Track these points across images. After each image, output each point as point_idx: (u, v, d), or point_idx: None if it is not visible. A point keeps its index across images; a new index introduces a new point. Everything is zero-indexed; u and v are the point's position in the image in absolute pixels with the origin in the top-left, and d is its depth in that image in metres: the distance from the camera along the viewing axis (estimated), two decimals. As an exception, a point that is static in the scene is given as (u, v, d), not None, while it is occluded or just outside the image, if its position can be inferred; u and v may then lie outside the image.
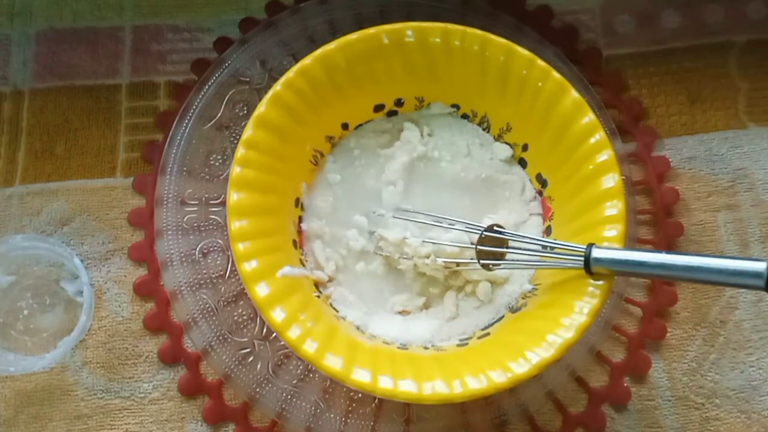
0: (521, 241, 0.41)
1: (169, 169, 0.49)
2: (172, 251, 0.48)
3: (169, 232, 0.48)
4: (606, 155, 0.41)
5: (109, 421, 0.46)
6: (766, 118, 0.54)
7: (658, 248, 0.50)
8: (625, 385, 0.48)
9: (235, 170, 0.40)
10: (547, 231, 0.45)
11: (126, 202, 0.51)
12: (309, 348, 0.38)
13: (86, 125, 0.52)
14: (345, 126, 0.47)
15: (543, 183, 0.46)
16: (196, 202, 0.49)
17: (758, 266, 0.33)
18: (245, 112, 0.50)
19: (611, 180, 0.41)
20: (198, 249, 0.48)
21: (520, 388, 0.46)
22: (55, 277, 0.48)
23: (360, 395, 0.45)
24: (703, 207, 0.52)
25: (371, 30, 0.43)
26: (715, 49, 0.56)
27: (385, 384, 0.37)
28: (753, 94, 0.55)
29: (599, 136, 0.42)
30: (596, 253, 0.37)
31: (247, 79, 0.51)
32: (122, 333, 0.48)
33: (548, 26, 0.55)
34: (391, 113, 0.48)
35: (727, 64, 0.55)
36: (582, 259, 0.38)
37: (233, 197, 0.39)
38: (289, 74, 0.42)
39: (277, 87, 0.42)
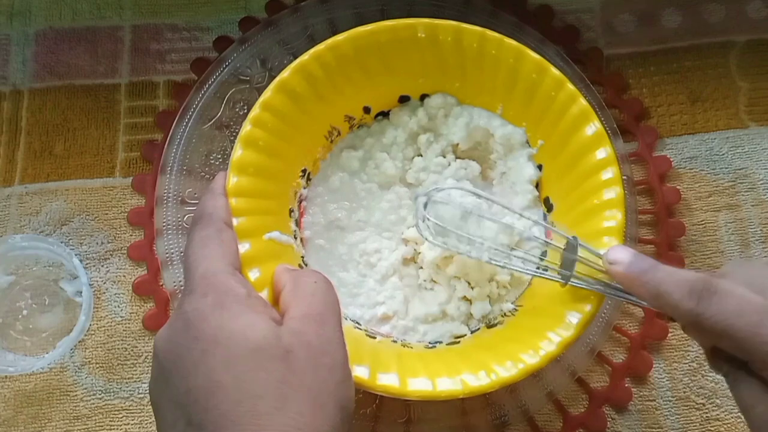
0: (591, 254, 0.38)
1: (169, 169, 0.49)
2: (172, 251, 0.48)
3: (170, 232, 0.48)
4: (613, 192, 0.41)
5: (108, 421, 0.46)
6: (767, 117, 0.54)
7: (659, 248, 0.50)
8: (626, 385, 0.47)
9: (246, 128, 0.40)
10: (543, 255, 0.45)
11: (125, 201, 0.50)
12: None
13: (85, 125, 0.52)
14: (367, 109, 0.46)
15: (549, 207, 0.45)
16: (196, 202, 0.49)
17: None
18: (245, 111, 0.50)
19: (613, 218, 0.40)
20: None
21: (520, 388, 0.46)
22: (54, 277, 0.48)
23: (360, 395, 0.45)
24: (704, 207, 0.52)
25: (409, 20, 0.43)
26: (716, 49, 0.56)
27: (360, 373, 0.37)
28: (753, 93, 0.55)
29: (611, 172, 0.41)
30: None
31: (248, 78, 0.51)
32: (121, 333, 0.48)
33: (549, 26, 0.55)
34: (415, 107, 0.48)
35: (728, 63, 0.55)
36: None
37: (237, 152, 0.39)
38: (320, 47, 0.42)
39: (305, 57, 0.42)
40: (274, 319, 0.32)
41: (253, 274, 0.37)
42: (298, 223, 0.44)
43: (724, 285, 0.31)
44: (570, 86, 0.43)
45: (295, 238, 0.43)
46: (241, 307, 0.31)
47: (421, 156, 0.47)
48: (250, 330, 0.31)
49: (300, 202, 0.45)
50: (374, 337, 0.42)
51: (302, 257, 0.43)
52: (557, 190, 0.45)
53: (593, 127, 0.42)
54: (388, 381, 0.37)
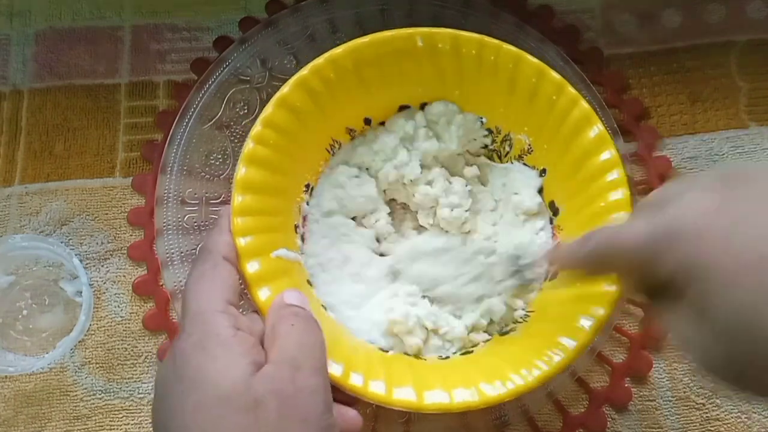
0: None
1: (169, 169, 0.49)
2: (172, 251, 0.48)
3: (170, 232, 0.48)
4: (620, 194, 0.41)
5: (108, 421, 0.46)
6: (767, 117, 0.54)
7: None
8: (626, 385, 0.47)
9: (248, 146, 0.40)
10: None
11: (125, 201, 0.50)
12: None
13: (85, 125, 0.52)
14: (367, 121, 0.46)
15: (555, 211, 0.45)
16: (197, 202, 0.49)
17: None
18: (246, 111, 0.51)
19: (620, 220, 0.40)
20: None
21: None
22: (54, 277, 0.48)
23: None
24: (704, 207, 0.52)
25: (407, 30, 0.43)
26: (716, 49, 0.56)
27: (376, 389, 0.37)
28: (753, 93, 0.55)
29: (617, 174, 0.41)
30: None
31: (248, 78, 0.51)
32: (121, 333, 0.48)
33: (549, 26, 0.55)
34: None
35: (728, 63, 0.55)
36: None
37: (241, 171, 0.39)
38: (318, 60, 0.42)
39: (304, 71, 0.42)
40: (255, 363, 0.31)
41: (263, 294, 0.37)
42: (303, 239, 0.44)
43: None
44: (571, 90, 0.42)
45: (302, 253, 0.43)
46: (220, 350, 0.31)
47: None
48: (221, 376, 0.30)
49: (304, 217, 0.45)
50: (387, 351, 0.42)
51: (310, 273, 0.43)
52: (563, 194, 0.44)
53: (596, 129, 0.42)
54: (404, 396, 0.37)
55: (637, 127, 0.53)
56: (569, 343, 0.38)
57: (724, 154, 0.53)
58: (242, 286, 0.37)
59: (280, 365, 0.31)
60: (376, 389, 0.36)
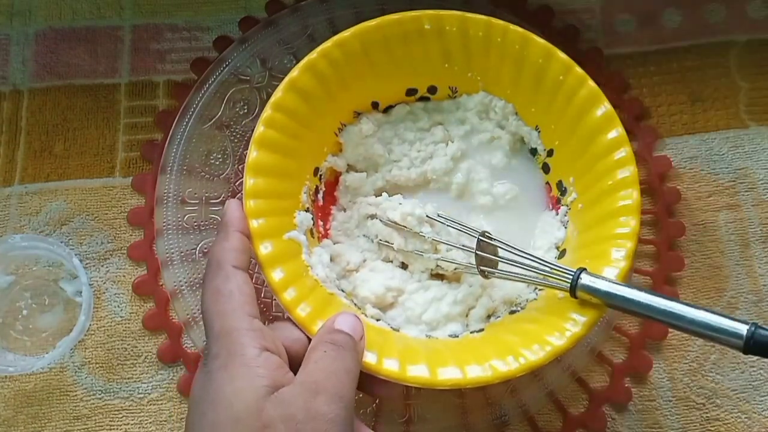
0: (513, 253, 0.40)
1: (169, 168, 0.49)
2: (172, 250, 0.48)
3: (170, 232, 0.48)
4: (628, 171, 0.41)
5: (108, 421, 0.46)
6: (767, 117, 0.54)
7: (659, 248, 0.50)
8: (626, 385, 0.47)
9: (259, 129, 0.40)
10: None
11: (125, 201, 0.50)
12: (302, 312, 0.37)
13: (85, 125, 0.52)
14: (375, 105, 0.47)
15: (563, 191, 0.45)
16: (197, 201, 0.49)
17: (739, 328, 0.33)
18: (245, 110, 0.51)
19: (629, 197, 0.40)
20: (198, 248, 0.48)
21: (520, 388, 0.46)
22: (54, 277, 0.48)
23: (360, 395, 0.45)
24: (704, 207, 0.52)
25: (415, 12, 0.44)
26: (716, 49, 0.56)
27: (389, 366, 0.37)
28: (754, 93, 0.55)
29: (624, 152, 0.41)
30: (584, 279, 0.37)
31: (248, 78, 0.51)
32: (121, 333, 0.48)
33: (549, 26, 0.55)
34: (423, 99, 0.48)
35: (728, 63, 0.55)
36: (569, 281, 0.37)
37: (253, 155, 0.40)
38: (327, 44, 0.43)
39: (312, 55, 0.42)
40: (274, 384, 0.31)
41: (276, 275, 0.38)
42: (314, 221, 0.44)
43: None
44: (578, 69, 0.43)
45: (312, 236, 0.43)
46: (241, 371, 0.31)
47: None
48: (236, 397, 0.30)
49: (315, 201, 0.45)
50: (398, 330, 0.42)
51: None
52: (570, 174, 0.45)
53: (603, 108, 0.42)
54: (418, 372, 0.37)
55: (637, 127, 0.53)
56: (580, 318, 0.38)
57: (723, 154, 0.53)
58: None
59: (299, 389, 0.31)
60: (390, 366, 0.37)
